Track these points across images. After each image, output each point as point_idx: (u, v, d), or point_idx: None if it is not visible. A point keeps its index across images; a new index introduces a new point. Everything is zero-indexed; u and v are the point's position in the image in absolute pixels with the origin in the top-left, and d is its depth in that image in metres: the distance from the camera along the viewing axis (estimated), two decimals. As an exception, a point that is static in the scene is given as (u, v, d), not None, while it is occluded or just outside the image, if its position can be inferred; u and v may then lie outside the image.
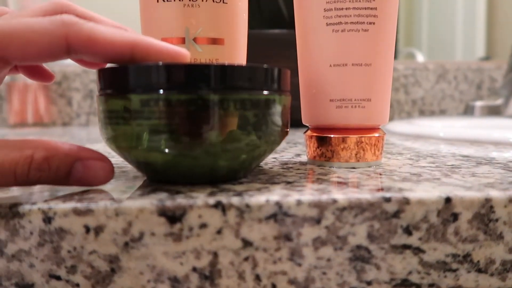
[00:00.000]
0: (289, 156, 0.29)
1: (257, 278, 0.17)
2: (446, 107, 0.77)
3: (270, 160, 0.27)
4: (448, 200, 0.17)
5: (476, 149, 0.32)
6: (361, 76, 0.23)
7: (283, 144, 0.38)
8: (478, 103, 0.66)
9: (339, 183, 0.19)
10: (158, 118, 0.17)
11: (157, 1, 0.24)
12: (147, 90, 0.17)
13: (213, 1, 0.24)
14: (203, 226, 0.16)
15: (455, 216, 0.17)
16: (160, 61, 0.17)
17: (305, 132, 0.26)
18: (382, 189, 0.18)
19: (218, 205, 0.16)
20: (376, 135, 0.24)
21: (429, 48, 0.80)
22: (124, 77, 0.17)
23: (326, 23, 0.23)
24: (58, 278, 0.16)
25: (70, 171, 0.17)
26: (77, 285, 0.16)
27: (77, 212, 0.16)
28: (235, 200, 0.16)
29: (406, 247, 0.17)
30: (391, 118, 0.74)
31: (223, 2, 0.24)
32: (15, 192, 0.18)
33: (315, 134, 0.25)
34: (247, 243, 0.17)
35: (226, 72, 0.17)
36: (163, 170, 0.19)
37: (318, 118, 0.25)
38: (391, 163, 0.26)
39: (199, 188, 0.18)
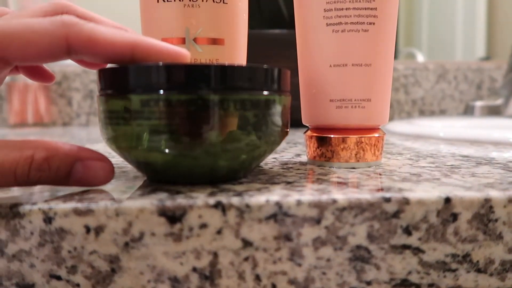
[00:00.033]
0: (289, 156, 0.29)
1: (257, 278, 0.17)
2: (446, 107, 0.77)
3: (270, 160, 0.27)
4: (447, 200, 0.17)
5: (476, 149, 0.32)
6: (361, 77, 0.23)
7: (283, 144, 0.38)
8: (478, 103, 0.66)
9: (339, 183, 0.19)
10: (158, 118, 0.17)
11: (157, 1, 0.24)
12: (147, 90, 0.17)
13: (213, 1, 0.24)
14: (203, 226, 0.16)
15: (455, 216, 0.17)
16: (161, 62, 0.18)
17: (305, 132, 0.26)
18: (382, 189, 0.18)
19: (218, 205, 0.16)
20: (376, 135, 0.24)
21: (429, 48, 0.80)
22: (125, 77, 0.17)
23: (326, 23, 0.24)
24: (58, 278, 0.16)
25: (70, 171, 0.17)
26: (78, 285, 0.16)
27: (77, 212, 0.16)
28: (235, 200, 0.16)
29: (405, 247, 0.17)
30: (391, 118, 0.74)
31: (223, 2, 0.24)
32: (15, 192, 0.18)
33: (315, 134, 0.25)
34: (247, 243, 0.17)
35: (226, 72, 0.17)
36: (163, 170, 0.19)
37: (318, 118, 0.25)
38: (391, 163, 0.26)
39: (199, 188, 0.18)
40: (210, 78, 0.17)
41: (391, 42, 0.24)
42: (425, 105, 0.76)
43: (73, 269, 0.16)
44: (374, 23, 0.23)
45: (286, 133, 0.21)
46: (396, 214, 0.17)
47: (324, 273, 0.17)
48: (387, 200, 0.17)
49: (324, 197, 0.17)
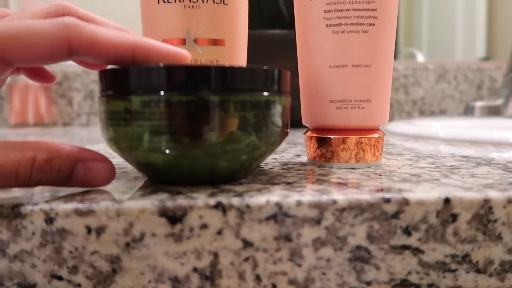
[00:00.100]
0: (289, 156, 0.29)
1: (258, 278, 0.17)
2: (446, 107, 0.77)
3: (270, 161, 0.27)
4: (447, 201, 0.17)
5: (476, 150, 0.33)
6: (361, 77, 0.24)
7: (283, 144, 0.38)
8: (478, 103, 0.66)
9: (339, 183, 0.20)
10: (159, 119, 0.17)
11: (158, 2, 0.24)
12: (148, 92, 0.17)
13: (214, 2, 0.24)
14: (204, 226, 0.16)
15: (454, 217, 0.17)
16: (161, 63, 0.18)
17: (305, 133, 0.26)
18: (381, 190, 0.18)
19: (218, 205, 0.16)
20: (376, 136, 0.24)
21: (429, 48, 0.80)
22: (125, 78, 0.17)
23: (326, 24, 0.24)
24: (60, 278, 0.17)
25: (72, 172, 0.17)
26: (79, 285, 0.17)
27: (78, 213, 0.16)
28: (235, 200, 0.16)
29: (405, 247, 0.17)
30: (391, 118, 0.75)
31: (224, 3, 0.24)
32: (16, 193, 0.18)
33: (315, 134, 0.25)
34: (247, 244, 0.17)
35: (226, 73, 0.17)
36: (163, 170, 0.19)
37: (318, 119, 0.25)
38: (391, 163, 0.26)
39: (200, 189, 0.18)
40: (210, 79, 0.17)
41: (391, 42, 0.24)
42: (425, 105, 0.76)
43: (74, 269, 0.16)
44: (374, 24, 0.23)
45: (286, 134, 0.21)
46: (395, 215, 0.17)
47: (324, 274, 0.17)
48: (387, 200, 0.17)
49: (324, 198, 0.17)
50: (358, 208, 0.17)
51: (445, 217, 0.17)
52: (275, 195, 0.17)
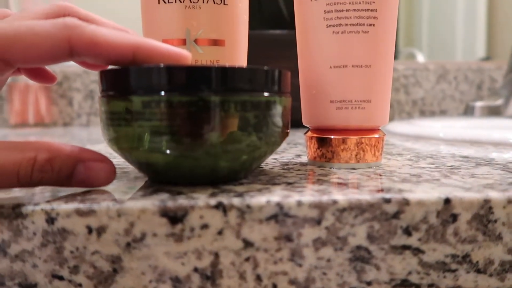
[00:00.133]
0: (289, 157, 0.29)
1: (258, 278, 0.17)
2: (446, 107, 0.77)
3: (271, 161, 0.27)
4: (447, 201, 0.17)
5: (476, 150, 0.33)
6: (361, 78, 0.24)
7: (283, 145, 0.38)
8: (478, 104, 0.66)
9: (339, 184, 0.20)
10: (159, 119, 0.17)
11: (158, 3, 0.24)
12: (149, 92, 0.17)
13: (214, 3, 0.24)
14: (204, 226, 0.16)
15: (454, 217, 0.17)
16: (162, 63, 0.18)
17: (305, 133, 0.26)
18: (382, 190, 0.18)
19: (219, 206, 0.16)
20: (376, 136, 0.24)
21: (430, 48, 0.80)
22: (126, 79, 0.17)
23: (326, 25, 0.24)
24: (61, 278, 0.17)
25: (72, 173, 0.17)
26: (80, 285, 0.17)
27: (79, 213, 0.16)
28: (236, 201, 0.16)
29: (405, 247, 0.17)
30: (391, 118, 0.75)
31: (224, 4, 0.24)
32: (17, 193, 0.18)
33: (315, 135, 0.25)
34: (248, 244, 0.17)
35: (227, 74, 0.17)
36: (164, 171, 0.19)
37: (318, 119, 0.25)
38: (391, 164, 0.26)
39: (200, 189, 0.18)
40: (211, 79, 0.17)
41: (391, 43, 0.24)
42: (426, 105, 0.76)
43: (75, 269, 0.16)
44: (374, 25, 0.23)
45: (287, 134, 0.21)
46: (396, 215, 0.17)
47: (324, 274, 0.17)
48: (387, 201, 0.17)
49: (325, 198, 0.17)
50: (358, 208, 0.17)
51: (445, 217, 0.17)
52: (275, 195, 0.17)
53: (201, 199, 0.17)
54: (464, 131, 0.39)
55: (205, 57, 0.24)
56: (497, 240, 0.18)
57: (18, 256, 0.16)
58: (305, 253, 0.17)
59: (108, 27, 0.19)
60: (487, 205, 0.17)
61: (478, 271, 0.18)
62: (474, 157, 0.28)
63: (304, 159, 0.28)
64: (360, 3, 0.23)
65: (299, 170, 0.24)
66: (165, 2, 0.24)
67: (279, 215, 0.17)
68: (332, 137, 0.24)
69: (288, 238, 0.17)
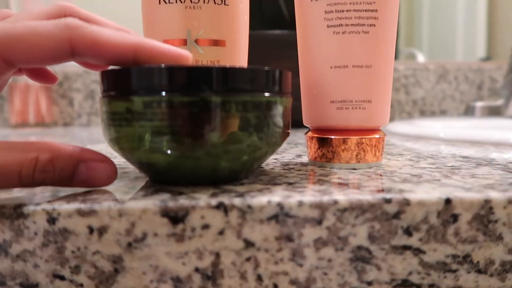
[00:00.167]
0: (290, 157, 0.29)
1: (259, 278, 0.17)
2: (446, 107, 0.77)
3: (271, 161, 0.27)
4: (448, 201, 0.17)
5: (476, 150, 0.33)
6: (362, 78, 0.24)
7: (284, 145, 0.38)
8: (479, 104, 0.66)
9: (340, 184, 0.20)
10: (160, 119, 0.17)
11: (159, 3, 0.24)
12: (150, 92, 0.17)
13: (215, 3, 0.24)
14: (206, 226, 0.16)
15: (455, 217, 0.17)
16: (163, 63, 0.18)
17: (306, 133, 0.26)
18: (382, 190, 0.18)
19: (220, 206, 0.16)
20: (377, 136, 0.24)
21: (430, 48, 0.80)
22: (127, 79, 0.18)
23: (327, 25, 0.24)
24: (62, 278, 0.17)
25: (74, 173, 0.17)
26: (81, 285, 0.17)
27: (81, 213, 0.16)
28: (237, 201, 0.17)
29: (406, 248, 0.17)
30: (392, 118, 0.75)
31: (224, 4, 0.24)
32: (18, 193, 0.18)
33: (316, 135, 0.25)
34: (249, 244, 0.17)
35: (228, 74, 0.17)
36: (165, 171, 0.19)
37: (319, 119, 0.25)
38: (392, 164, 0.26)
39: (201, 189, 0.18)
40: (212, 80, 0.17)
41: (391, 43, 0.24)
42: (426, 105, 0.76)
43: (76, 269, 0.17)
44: (374, 25, 0.23)
45: (287, 134, 0.21)
46: (396, 215, 0.17)
47: (325, 274, 0.17)
48: (388, 201, 0.17)
49: (325, 198, 0.17)
50: (359, 209, 0.17)
51: (446, 218, 0.17)
52: (276, 196, 0.17)
53: (202, 199, 0.17)
54: (464, 131, 0.39)
55: (206, 57, 0.24)
56: (498, 240, 0.18)
57: (19, 256, 0.16)
58: (306, 253, 0.17)
59: (109, 27, 0.19)
60: (487, 205, 0.17)
61: (479, 271, 0.18)
62: (474, 157, 0.28)
63: (305, 159, 0.28)
64: (360, 3, 0.23)
65: (299, 170, 0.24)
66: (165, 3, 0.24)
67: (280, 215, 0.17)
68: (332, 137, 0.24)
69: (289, 238, 0.17)
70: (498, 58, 0.80)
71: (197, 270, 0.17)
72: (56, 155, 0.17)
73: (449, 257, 0.18)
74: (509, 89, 0.63)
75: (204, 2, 0.24)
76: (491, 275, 0.18)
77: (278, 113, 0.19)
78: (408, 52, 0.80)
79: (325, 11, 0.24)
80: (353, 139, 0.24)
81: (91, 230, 0.16)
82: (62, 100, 0.72)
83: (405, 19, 0.80)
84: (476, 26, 0.80)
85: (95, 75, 0.73)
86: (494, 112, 0.65)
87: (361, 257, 0.17)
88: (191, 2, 0.24)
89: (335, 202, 0.17)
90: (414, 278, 0.18)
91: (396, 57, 0.70)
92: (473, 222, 0.17)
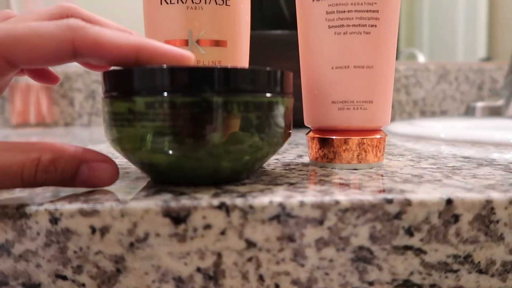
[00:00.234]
0: (291, 157, 0.29)
1: (261, 278, 0.17)
2: (447, 107, 0.77)
3: (273, 161, 0.27)
4: (449, 201, 0.17)
5: (477, 150, 0.33)
6: (363, 78, 0.24)
7: (285, 145, 0.38)
8: (479, 104, 0.66)
9: (341, 184, 0.20)
10: (162, 120, 0.17)
11: (161, 4, 0.24)
12: (152, 93, 0.17)
13: (216, 3, 0.24)
14: (207, 227, 0.16)
15: (456, 218, 0.17)
16: (165, 64, 0.18)
17: (307, 134, 0.26)
18: (383, 191, 0.18)
19: (222, 206, 0.16)
20: (378, 136, 0.24)
21: (430, 48, 0.80)
22: (129, 79, 0.18)
23: (328, 26, 0.24)
24: (64, 278, 0.17)
25: (76, 173, 0.17)
26: (83, 285, 0.17)
27: (83, 213, 0.16)
28: (238, 201, 0.17)
29: (407, 248, 0.17)
30: (392, 119, 0.75)
31: (226, 5, 0.25)
32: (19, 193, 0.19)
33: (317, 135, 0.25)
34: (250, 244, 0.17)
35: (229, 75, 0.18)
36: (167, 171, 0.19)
37: (320, 120, 0.25)
38: (393, 164, 0.26)
39: (203, 189, 0.18)
40: (214, 80, 0.17)
41: (392, 44, 0.24)
42: (426, 105, 0.76)
43: (78, 269, 0.17)
44: (375, 26, 0.23)
45: (289, 135, 0.21)
46: (398, 215, 0.17)
47: (326, 274, 0.17)
48: (389, 201, 0.17)
49: (327, 198, 0.17)
50: (360, 209, 0.17)
51: (447, 218, 0.17)
52: (278, 196, 0.17)
53: (204, 199, 0.17)
54: (465, 132, 0.39)
55: (207, 57, 0.24)
56: (499, 240, 0.18)
57: (22, 256, 0.17)
58: (308, 253, 0.17)
59: (111, 28, 0.19)
60: (488, 205, 0.17)
61: (480, 271, 0.18)
62: (475, 158, 0.28)
63: (306, 159, 0.28)
64: (362, 4, 0.23)
65: (301, 170, 0.24)
66: (167, 3, 0.24)
67: (282, 215, 0.17)
68: (334, 137, 0.24)
69: (291, 238, 0.17)
70: (498, 59, 0.80)
71: (199, 270, 0.17)
72: (58, 155, 0.17)
73: (450, 257, 0.18)
74: (510, 89, 0.63)
75: (205, 3, 0.24)
76: (492, 275, 0.18)
77: (280, 113, 0.19)
78: (408, 53, 0.80)
79: (326, 12, 0.24)
80: (354, 140, 0.24)
81: (93, 230, 0.16)
82: (63, 100, 0.72)
83: (406, 19, 0.80)
84: (477, 26, 0.80)
85: (96, 75, 0.73)
86: (495, 112, 0.65)
87: (362, 257, 0.17)
88: (193, 2, 0.24)
89: (337, 203, 0.17)
90: (416, 278, 0.18)
91: (396, 58, 0.70)
92: (474, 223, 0.17)
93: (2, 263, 0.17)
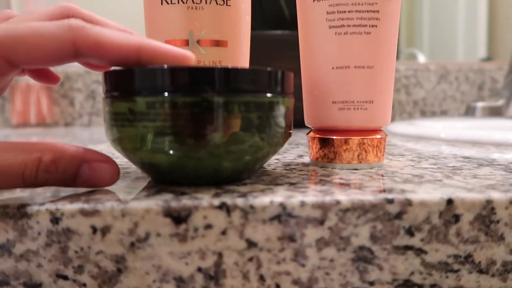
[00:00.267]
0: (291, 157, 0.29)
1: (261, 278, 0.17)
2: (447, 108, 0.77)
3: (273, 161, 0.27)
4: (449, 201, 0.17)
5: (477, 150, 0.33)
6: (364, 79, 0.24)
7: (285, 145, 0.38)
8: (479, 104, 0.66)
9: (342, 184, 0.20)
10: (163, 120, 0.17)
11: (161, 4, 0.24)
12: (153, 93, 0.17)
13: (217, 4, 0.24)
14: (208, 226, 0.17)
15: (457, 218, 0.17)
16: (165, 64, 0.18)
17: (307, 134, 0.26)
18: (384, 191, 0.18)
19: (222, 206, 0.16)
20: (378, 136, 0.24)
21: (431, 48, 0.81)
22: (130, 79, 0.18)
23: (329, 26, 0.24)
24: (65, 278, 0.17)
25: (77, 173, 0.17)
26: (84, 285, 0.17)
27: (84, 213, 0.16)
28: (239, 201, 0.17)
29: (408, 248, 0.17)
30: (393, 119, 0.75)
31: (226, 5, 0.25)
32: (21, 193, 0.19)
33: (317, 135, 0.25)
34: (251, 244, 0.17)
35: (230, 75, 0.18)
36: (168, 171, 0.19)
37: (320, 120, 0.25)
38: (393, 164, 0.26)
39: (204, 189, 0.18)
40: (214, 80, 0.17)
41: (393, 44, 0.24)
42: (427, 105, 0.76)
43: (79, 269, 0.17)
44: (376, 26, 0.23)
45: (289, 135, 0.21)
46: (398, 215, 0.17)
47: (327, 274, 0.17)
48: (390, 201, 0.17)
49: (328, 198, 0.17)
50: (361, 209, 0.17)
51: (448, 218, 0.17)
52: (278, 196, 0.17)
53: (205, 199, 0.17)
54: (465, 132, 0.39)
55: (208, 58, 0.24)
56: (500, 240, 0.18)
57: (23, 255, 0.17)
58: (308, 253, 0.17)
59: (112, 28, 0.19)
60: (489, 205, 0.17)
61: (481, 271, 0.18)
62: (475, 158, 0.28)
63: (306, 159, 0.28)
64: (362, 4, 0.23)
65: (301, 170, 0.24)
66: (168, 3, 0.24)
67: (282, 215, 0.17)
68: (334, 137, 0.24)
69: (291, 238, 0.17)
70: (498, 59, 0.80)
71: (199, 270, 0.17)
72: (59, 155, 0.17)
73: (450, 257, 0.18)
74: (510, 89, 0.63)
75: (206, 3, 0.24)
76: (493, 275, 0.18)
77: (280, 113, 0.19)
78: (408, 53, 0.81)
79: (327, 12, 0.24)
80: (355, 140, 0.24)
81: (94, 230, 0.16)
82: (63, 100, 0.72)
83: (406, 19, 0.80)
84: (477, 26, 0.80)
85: (96, 75, 0.73)
86: (495, 112, 0.65)
87: (363, 257, 0.17)
88: (193, 2, 0.24)
89: (337, 203, 0.17)
90: (416, 278, 0.18)
91: (397, 58, 0.70)
92: (475, 223, 0.17)
93: (3, 263, 0.17)
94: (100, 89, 0.72)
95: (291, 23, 0.61)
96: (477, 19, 0.80)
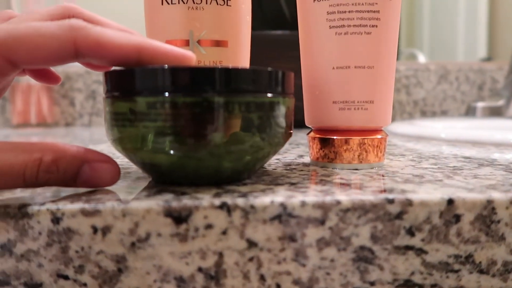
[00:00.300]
0: (292, 157, 0.29)
1: (262, 278, 0.17)
2: (447, 108, 0.77)
3: (274, 162, 0.27)
4: (450, 201, 0.17)
5: (478, 151, 0.33)
6: (364, 79, 0.24)
7: (286, 145, 0.38)
8: (480, 104, 0.66)
9: (342, 184, 0.20)
10: (163, 120, 0.17)
11: (162, 4, 0.24)
12: (153, 93, 0.17)
13: (217, 4, 0.24)
14: (209, 226, 0.17)
15: (457, 218, 0.17)
16: (166, 64, 0.18)
17: (308, 134, 0.26)
18: (385, 191, 0.18)
19: (223, 206, 0.16)
20: (379, 136, 0.24)
21: (431, 48, 0.81)
22: (131, 79, 0.18)
23: (329, 26, 0.24)
24: (66, 277, 0.17)
25: (78, 173, 0.17)
26: (85, 284, 0.17)
27: (84, 213, 0.16)
28: (240, 201, 0.17)
29: (408, 248, 0.17)
30: (393, 119, 0.75)
31: (227, 5, 0.25)
32: (21, 193, 0.19)
33: (318, 135, 0.25)
34: (252, 244, 0.17)
35: (230, 75, 0.18)
36: (168, 171, 0.19)
37: (321, 120, 0.25)
38: (394, 164, 0.26)
39: (204, 189, 0.18)
40: (215, 80, 0.17)
41: (393, 44, 0.24)
42: (427, 106, 0.76)
43: (80, 269, 0.17)
44: (376, 26, 0.23)
45: (290, 135, 0.21)
46: (399, 215, 0.17)
47: (328, 274, 0.17)
48: (390, 201, 0.17)
49: (328, 198, 0.17)
50: (361, 209, 0.17)
51: (448, 218, 0.17)
52: (279, 196, 0.17)
53: (205, 199, 0.17)
54: (465, 132, 0.39)
55: (208, 58, 0.24)
56: (500, 240, 0.18)
57: (23, 255, 0.17)
58: (309, 253, 0.17)
59: (113, 28, 0.19)
60: (490, 205, 0.17)
61: (481, 271, 0.18)
62: (476, 158, 0.28)
63: (307, 159, 0.28)
64: (362, 4, 0.23)
65: (302, 170, 0.24)
66: (168, 3, 0.24)
67: (283, 215, 0.17)
68: (334, 137, 0.24)
69: (292, 238, 0.17)
70: (499, 59, 0.80)
71: (200, 270, 0.17)
72: (60, 155, 0.17)
73: (451, 257, 0.18)
74: (510, 89, 0.63)
75: (206, 3, 0.24)
76: (493, 276, 0.18)
77: (281, 113, 0.19)
78: (409, 53, 0.81)
79: (327, 12, 0.24)
80: (355, 140, 0.24)
81: (95, 230, 0.16)
82: (64, 100, 0.72)
83: (406, 19, 0.80)
84: (477, 26, 0.80)
85: (97, 75, 0.73)
86: (495, 112, 0.65)
87: (363, 257, 0.17)
88: (194, 2, 0.24)
89: (338, 203, 0.17)
90: (417, 278, 0.18)
91: (397, 58, 0.70)
92: (476, 223, 0.17)
93: (4, 263, 0.17)
94: (100, 89, 0.72)
95: (291, 23, 0.61)
96: (477, 19, 0.80)
